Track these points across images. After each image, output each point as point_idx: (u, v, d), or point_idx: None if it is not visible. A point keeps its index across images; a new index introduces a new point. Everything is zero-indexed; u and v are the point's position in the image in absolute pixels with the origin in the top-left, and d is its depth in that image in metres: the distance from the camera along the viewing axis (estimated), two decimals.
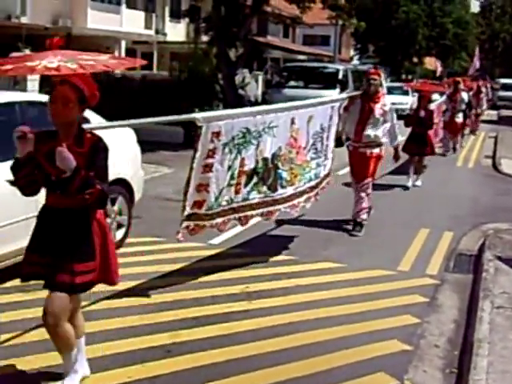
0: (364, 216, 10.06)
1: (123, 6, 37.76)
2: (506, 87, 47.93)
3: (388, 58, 45.51)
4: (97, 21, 35.09)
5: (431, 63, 64.48)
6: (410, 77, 51.75)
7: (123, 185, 8.72)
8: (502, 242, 9.28)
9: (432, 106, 15.19)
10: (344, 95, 10.77)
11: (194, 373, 5.29)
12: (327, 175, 9.40)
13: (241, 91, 24.03)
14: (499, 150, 21.10)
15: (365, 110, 9.88)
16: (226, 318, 6.39)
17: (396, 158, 10.80)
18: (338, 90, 20.62)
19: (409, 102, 23.73)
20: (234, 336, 5.99)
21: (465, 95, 20.07)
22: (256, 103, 23.43)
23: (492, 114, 39.92)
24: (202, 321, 6.28)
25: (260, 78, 29.72)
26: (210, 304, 6.72)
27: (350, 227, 10.13)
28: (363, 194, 10.04)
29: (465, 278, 8.12)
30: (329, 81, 20.92)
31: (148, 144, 17.55)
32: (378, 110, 9.89)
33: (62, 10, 34.16)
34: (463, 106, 19.90)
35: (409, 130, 14.49)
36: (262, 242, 9.18)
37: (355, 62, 54.27)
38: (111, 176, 8.07)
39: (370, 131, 9.84)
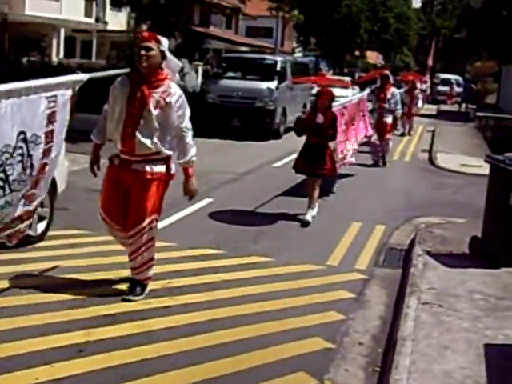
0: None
1: None
2: (445, 82, 48.53)
3: (330, 50, 45.59)
4: (35, 7, 34.21)
5: (373, 57, 65.00)
6: (351, 70, 52.02)
7: None
8: (433, 236, 9.21)
9: (335, 108, 11.03)
10: None
11: (106, 373, 5.02)
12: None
13: (179, 81, 23.66)
14: (436, 144, 21.25)
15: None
16: (143, 314, 6.12)
17: None
18: (276, 81, 20.43)
19: (349, 94, 23.74)
20: (150, 334, 5.72)
21: (394, 92, 16.75)
22: (194, 94, 23.14)
23: (432, 109, 40.35)
24: (117, 318, 5.99)
25: (200, 69, 29.34)
26: (128, 301, 6.42)
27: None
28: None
29: (394, 273, 8.01)
30: (267, 72, 20.70)
31: (81, 133, 17.10)
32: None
33: None
34: (392, 105, 16.47)
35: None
36: (190, 236, 8.91)
37: (298, 54, 54.26)
38: None
39: None
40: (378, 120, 16.23)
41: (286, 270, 7.78)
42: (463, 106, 42.43)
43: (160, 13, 20.89)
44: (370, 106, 16.35)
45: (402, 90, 22.84)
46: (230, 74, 21.36)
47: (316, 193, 10.08)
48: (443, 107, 43.34)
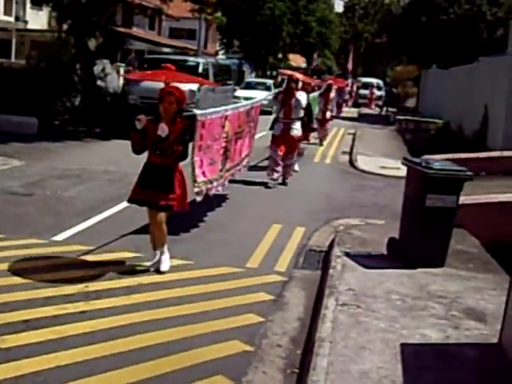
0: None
1: None
2: (365, 86, 49.34)
3: (253, 53, 45.71)
4: None
5: (295, 60, 65.52)
6: (274, 72, 52.23)
7: None
8: (352, 237, 9.31)
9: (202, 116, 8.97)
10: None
11: (20, 381, 4.88)
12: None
13: (100, 82, 23.31)
14: (356, 147, 21.54)
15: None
16: (59, 320, 5.97)
17: None
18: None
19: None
20: (65, 340, 5.59)
21: (303, 97, 14.13)
22: (115, 95, 22.84)
23: (353, 112, 40.96)
24: (31, 324, 5.84)
25: (122, 70, 29.02)
26: (43, 306, 6.27)
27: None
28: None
29: (313, 275, 8.06)
30: (188, 73, 20.54)
31: None
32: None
33: None
34: (301, 113, 14.08)
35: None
36: (109, 239, 8.74)
37: (221, 56, 54.25)
38: None
39: None
40: (283, 132, 13.86)
41: (205, 272, 7.73)
42: (384, 109, 43.21)
43: (81, 12, 20.49)
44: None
45: (316, 94, 22.09)
46: None
47: (162, 232, 7.56)
48: (364, 110, 44.04)
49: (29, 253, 7.90)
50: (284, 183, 14.01)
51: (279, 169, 13.86)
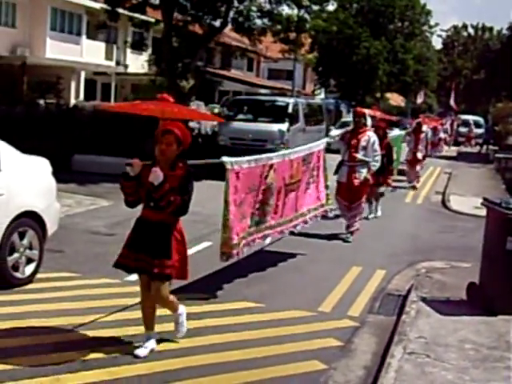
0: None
1: (83, 37, 37.52)
2: (465, 124, 48.25)
3: (349, 92, 45.60)
4: (56, 51, 34.77)
5: (394, 98, 64.97)
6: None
7: (33, 218, 8.29)
8: (431, 281, 8.96)
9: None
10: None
11: None
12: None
13: (194, 124, 23.70)
14: (450, 187, 20.94)
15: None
16: (116, 361, 5.95)
17: None
18: (287, 123, 20.37)
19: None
20: (119, 381, 5.55)
21: (373, 136, 12.17)
22: (207, 136, 23.14)
23: (452, 151, 40.08)
24: (89, 364, 5.83)
25: (216, 111, 29.47)
26: (104, 346, 6.24)
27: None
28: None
29: (388, 321, 7.74)
30: (278, 114, 20.67)
31: (90, 175, 17.07)
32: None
33: (20, 39, 33.87)
34: (372, 155, 11.95)
35: None
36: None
37: (320, 96, 54.38)
38: (18, 209, 7.78)
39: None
40: (347, 178, 12.06)
41: (274, 316, 7.56)
42: (484, 147, 42.07)
43: (173, 55, 20.97)
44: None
45: (402, 132, 21.10)
46: (240, 116, 21.36)
47: (167, 302, 6.40)
48: (463, 149, 43.03)
49: (100, 292, 7.95)
50: (346, 239, 11.93)
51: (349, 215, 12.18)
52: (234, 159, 7.89)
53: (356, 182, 11.94)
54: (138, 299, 7.67)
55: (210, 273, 9.10)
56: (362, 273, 9.80)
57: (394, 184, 17.38)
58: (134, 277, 8.59)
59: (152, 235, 6.04)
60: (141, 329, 6.74)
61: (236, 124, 20.57)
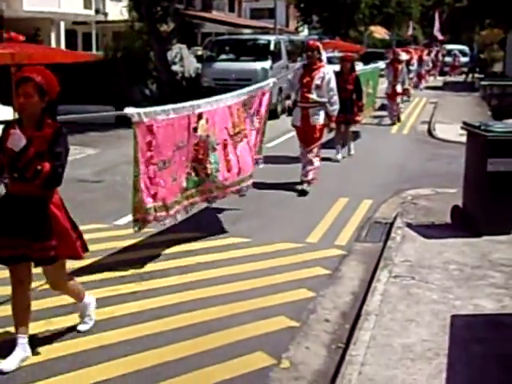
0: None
1: None
2: (450, 53, 47.99)
3: (332, 27, 45.13)
4: (33, 2, 34.19)
5: (378, 31, 64.34)
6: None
7: None
8: (417, 207, 9.08)
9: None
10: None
11: (64, 361, 4.95)
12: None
13: (177, 67, 23.55)
14: (436, 116, 20.98)
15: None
16: (109, 301, 6.04)
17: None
18: (269, 61, 20.24)
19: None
20: (112, 320, 5.66)
21: (329, 73, 10.67)
22: (191, 78, 23.00)
23: (438, 81, 39.96)
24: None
25: (199, 53, 29.18)
26: (97, 288, 6.33)
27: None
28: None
29: (374, 247, 7.85)
30: (260, 53, 20.52)
31: (75, 124, 17.03)
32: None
33: None
34: (326, 95, 10.49)
35: None
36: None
37: (304, 33, 53.84)
38: None
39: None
40: (301, 121, 10.68)
41: (262, 249, 7.67)
42: (470, 76, 41.93)
43: (151, 0, 20.72)
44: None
45: (381, 64, 20.69)
46: (223, 56, 21.23)
47: (69, 288, 5.37)
48: (449, 78, 42.90)
49: (89, 237, 8.01)
50: (303, 191, 10.47)
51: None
52: (142, 110, 6.64)
53: (312, 124, 10.50)
54: (124, 241, 7.83)
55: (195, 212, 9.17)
56: (349, 203, 9.89)
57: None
58: (123, 221, 8.74)
59: (24, 214, 4.80)
60: (131, 269, 6.88)
61: (219, 64, 20.43)
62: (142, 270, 6.90)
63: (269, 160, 10.39)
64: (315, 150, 10.66)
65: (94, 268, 6.89)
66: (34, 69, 4.83)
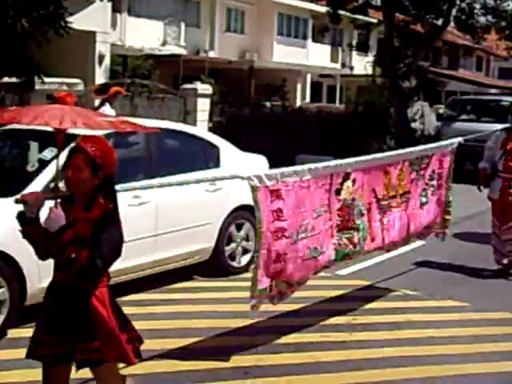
0: None
1: (309, 40, 38.65)
2: None
3: None
4: (282, 54, 36.17)
5: None
6: None
7: (250, 211, 8.82)
8: None
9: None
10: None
11: None
12: None
13: (416, 124, 23.62)
14: None
15: None
16: (317, 346, 6.30)
17: None
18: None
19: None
20: (316, 365, 5.89)
21: None
22: (429, 136, 22.91)
23: None
24: (290, 348, 6.25)
25: (441, 111, 29.02)
26: (309, 332, 6.61)
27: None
28: None
29: None
30: (502, 114, 19.97)
31: None
32: None
33: (248, 44, 35.57)
34: None
35: None
36: (387, 275, 8.79)
37: None
38: (235, 203, 8.38)
39: None
40: (501, 193, 9.13)
41: (479, 316, 7.45)
42: None
43: (395, 56, 21.09)
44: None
45: None
46: (463, 116, 20.95)
47: None
48: None
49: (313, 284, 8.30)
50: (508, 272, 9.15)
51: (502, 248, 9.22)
52: (264, 172, 5.84)
53: (511, 199, 9.01)
54: (343, 291, 7.98)
55: (418, 272, 9.13)
56: None
57: None
58: (345, 271, 8.85)
59: (64, 307, 3.98)
60: (345, 319, 7.03)
61: (458, 124, 20.19)
62: (354, 322, 7.04)
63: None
64: None
65: (312, 312, 7.23)
66: (89, 138, 3.99)
